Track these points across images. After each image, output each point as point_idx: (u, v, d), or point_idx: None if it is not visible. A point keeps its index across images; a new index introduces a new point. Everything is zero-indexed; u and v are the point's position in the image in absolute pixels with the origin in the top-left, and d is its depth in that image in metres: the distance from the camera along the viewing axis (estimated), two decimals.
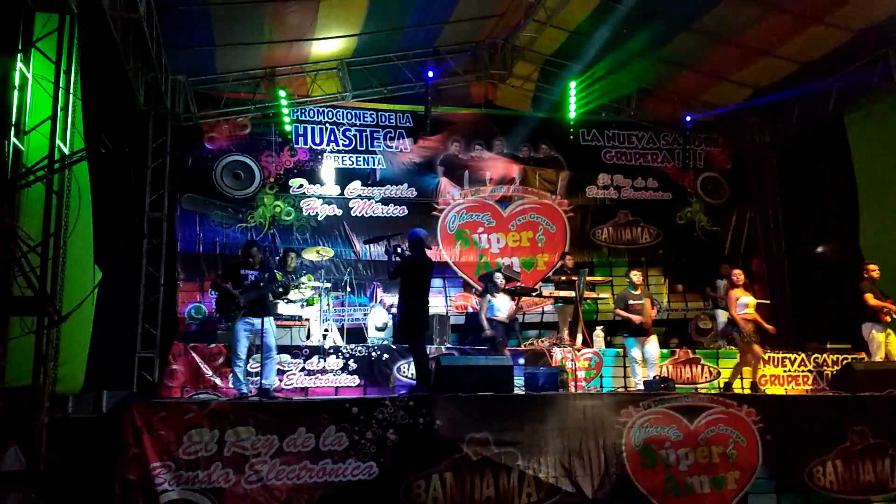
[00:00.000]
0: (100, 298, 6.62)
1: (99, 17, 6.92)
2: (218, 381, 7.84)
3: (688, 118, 11.85)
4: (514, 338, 9.62)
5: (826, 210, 11.31)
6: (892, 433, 6.85)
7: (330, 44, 10.10)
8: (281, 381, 7.89)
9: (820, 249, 11.43)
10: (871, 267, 8.58)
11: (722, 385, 8.76)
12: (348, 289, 9.62)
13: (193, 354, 7.88)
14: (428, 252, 7.40)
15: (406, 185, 11.32)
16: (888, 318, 8.32)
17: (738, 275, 8.66)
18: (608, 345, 9.49)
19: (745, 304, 8.37)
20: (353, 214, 11.01)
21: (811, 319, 11.19)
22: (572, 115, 11.41)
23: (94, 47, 6.92)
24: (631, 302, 8.45)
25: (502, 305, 8.64)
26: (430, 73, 10.69)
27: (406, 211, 11.23)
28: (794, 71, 10.61)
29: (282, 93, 10.37)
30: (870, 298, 8.31)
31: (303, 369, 8.13)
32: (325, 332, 8.89)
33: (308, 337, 8.76)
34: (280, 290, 7.28)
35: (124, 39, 8.05)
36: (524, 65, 11.43)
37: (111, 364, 8.41)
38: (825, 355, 9.37)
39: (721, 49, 10.28)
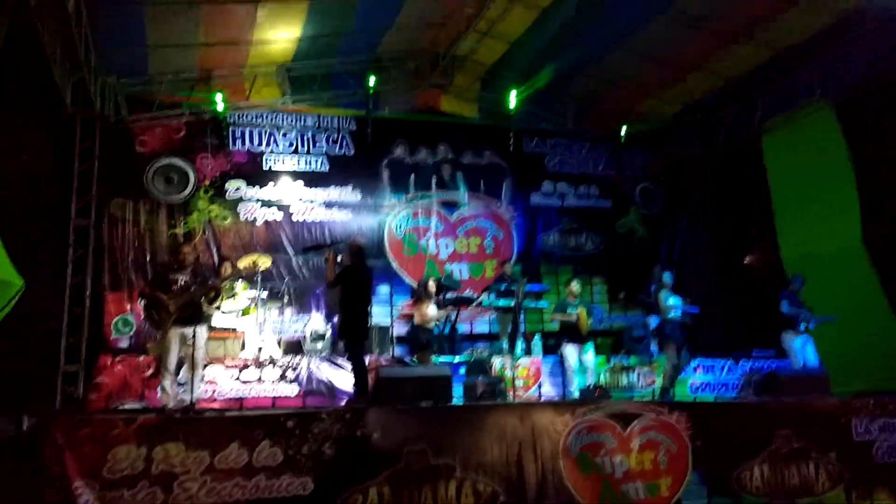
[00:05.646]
0: (21, 310, 6.28)
1: (23, 14, 6.59)
2: (146, 392, 7.56)
3: (622, 130, 12.15)
4: (456, 350, 9.62)
5: (750, 222, 11.77)
6: (814, 437, 7.13)
7: (268, 48, 9.92)
8: (214, 391, 7.68)
9: (746, 260, 11.90)
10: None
11: (659, 392, 8.96)
12: (286, 298, 9.43)
13: (120, 366, 7.58)
14: (368, 261, 7.35)
15: (350, 187, 11.16)
16: (801, 328, 8.76)
17: (665, 278, 8.91)
18: (547, 353, 9.60)
19: (672, 305, 8.63)
20: (294, 219, 10.79)
21: (739, 327, 11.60)
22: (512, 124, 11.51)
23: (17, 46, 6.58)
24: (570, 310, 8.61)
25: (433, 313, 8.64)
26: (372, 80, 10.63)
27: (350, 215, 11.09)
28: (722, 86, 11.04)
29: (218, 96, 10.11)
30: (783, 308, 8.79)
31: (237, 379, 7.92)
32: (262, 345, 8.68)
33: (243, 349, 8.54)
34: (211, 294, 6.86)
35: (51, 38, 7.70)
36: (465, 74, 11.50)
37: (32, 379, 7.99)
38: (751, 362, 9.72)
39: (653, 64, 10.60)
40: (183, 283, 6.57)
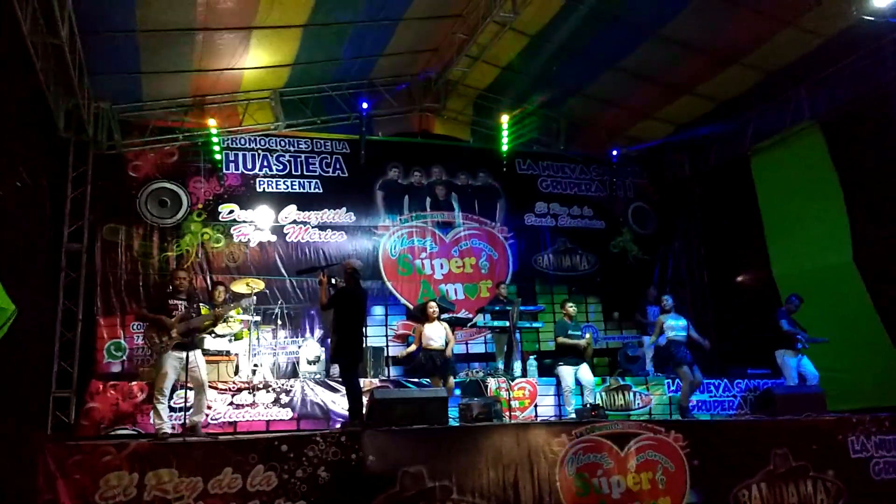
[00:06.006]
0: (13, 335, 6.24)
1: (17, 40, 6.63)
2: (138, 417, 7.50)
3: (614, 152, 12.26)
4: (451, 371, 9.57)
5: (741, 241, 11.85)
6: (812, 455, 7.11)
7: (262, 73, 10.00)
8: (208, 416, 7.61)
9: (739, 279, 11.95)
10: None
11: (678, 411, 8.90)
12: (279, 322, 9.38)
13: (112, 392, 7.51)
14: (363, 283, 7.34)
15: (344, 209, 11.14)
16: (799, 347, 8.77)
17: (665, 300, 8.94)
18: (542, 374, 9.57)
19: (672, 326, 8.64)
20: (288, 240, 10.74)
21: (733, 346, 11.61)
22: (505, 147, 11.59)
23: (11, 71, 6.63)
24: (571, 332, 8.62)
25: (435, 335, 8.60)
26: (364, 105, 10.70)
27: (345, 236, 11.06)
28: (713, 109, 11.18)
29: (211, 122, 10.14)
30: (783, 326, 8.80)
31: (231, 403, 7.86)
32: (255, 368, 8.63)
33: (236, 373, 8.48)
34: (207, 322, 7.00)
35: (45, 65, 7.74)
36: (458, 98, 11.60)
37: (24, 405, 7.90)
38: (746, 380, 9.72)
39: (644, 87, 10.73)
40: (182, 308, 6.62)
